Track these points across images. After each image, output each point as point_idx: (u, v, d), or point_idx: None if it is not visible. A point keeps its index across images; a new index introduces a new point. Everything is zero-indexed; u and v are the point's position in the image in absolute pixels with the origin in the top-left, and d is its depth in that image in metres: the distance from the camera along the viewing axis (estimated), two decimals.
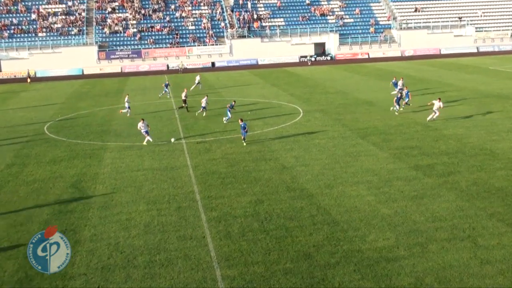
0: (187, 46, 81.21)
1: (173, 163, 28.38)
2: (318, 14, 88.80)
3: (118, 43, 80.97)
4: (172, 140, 32.75)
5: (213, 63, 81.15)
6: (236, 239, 18.79)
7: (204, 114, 40.75)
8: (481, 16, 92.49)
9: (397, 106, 39.09)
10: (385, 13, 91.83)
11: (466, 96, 45.18)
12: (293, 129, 35.55)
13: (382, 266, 16.59)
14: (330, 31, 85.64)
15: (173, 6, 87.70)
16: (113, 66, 78.64)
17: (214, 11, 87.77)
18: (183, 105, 42.73)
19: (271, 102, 46.32)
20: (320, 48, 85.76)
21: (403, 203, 21.50)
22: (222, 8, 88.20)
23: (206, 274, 16.49)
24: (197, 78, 56.34)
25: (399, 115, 38.57)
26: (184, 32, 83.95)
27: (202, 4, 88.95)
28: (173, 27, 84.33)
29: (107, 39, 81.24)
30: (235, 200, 22.58)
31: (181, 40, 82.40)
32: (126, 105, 42.39)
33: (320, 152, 29.49)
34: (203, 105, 40.63)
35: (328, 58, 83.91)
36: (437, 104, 35.76)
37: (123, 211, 21.73)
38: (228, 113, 37.44)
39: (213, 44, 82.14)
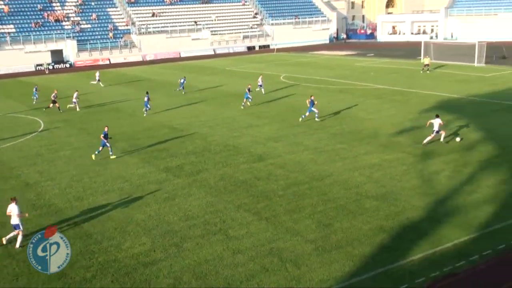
0: None
1: None
2: (53, 20, 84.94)
3: None
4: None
5: None
6: None
7: (78, 109, 43.66)
8: (215, 20, 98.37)
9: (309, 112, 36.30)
10: (123, 18, 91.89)
11: (208, 97, 47.55)
12: (35, 142, 33.48)
13: (140, 271, 16.58)
14: (67, 37, 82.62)
15: None
16: None
17: None
18: (50, 105, 43.42)
19: (5, 115, 42.99)
20: (58, 55, 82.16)
21: (156, 206, 21.78)
22: None
23: None
24: (97, 74, 58.63)
25: (146, 118, 39.00)
26: None
27: None
28: None
29: None
30: None
31: None
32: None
33: (66, 164, 28.29)
34: (74, 100, 43.89)
35: (67, 65, 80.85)
36: (437, 121, 29.81)
37: None
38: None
39: None
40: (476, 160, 26.17)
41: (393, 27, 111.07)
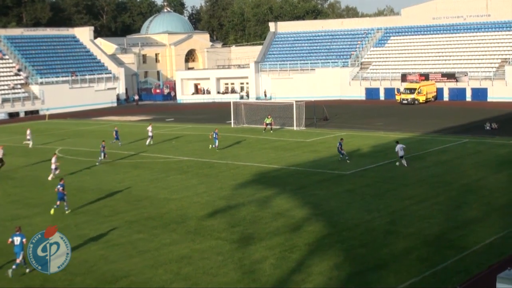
0: None
1: None
2: None
3: None
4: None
5: None
6: None
7: None
8: None
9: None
10: None
11: None
12: None
13: None
14: None
15: None
16: None
17: None
18: None
19: None
20: None
21: None
22: None
23: None
24: (28, 132, 62.13)
25: None
26: None
27: None
28: None
29: None
30: None
31: None
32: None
33: None
34: None
35: None
36: (399, 147, 42.85)
37: None
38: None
39: None
40: (304, 243, 27.36)
41: (196, 86, 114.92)
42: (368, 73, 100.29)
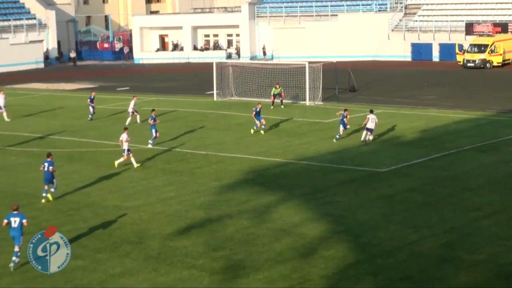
0: None
1: None
2: None
3: None
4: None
5: None
6: None
7: None
8: None
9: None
10: None
11: None
12: None
13: None
14: None
15: None
16: None
17: None
18: None
19: None
20: None
21: None
22: None
23: None
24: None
25: None
26: None
27: None
28: None
29: None
30: None
31: None
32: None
33: None
34: None
35: None
36: (372, 118, 46.31)
37: None
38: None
39: None
40: (320, 275, 26.18)
41: (163, 38, 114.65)
42: (416, 21, 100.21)
